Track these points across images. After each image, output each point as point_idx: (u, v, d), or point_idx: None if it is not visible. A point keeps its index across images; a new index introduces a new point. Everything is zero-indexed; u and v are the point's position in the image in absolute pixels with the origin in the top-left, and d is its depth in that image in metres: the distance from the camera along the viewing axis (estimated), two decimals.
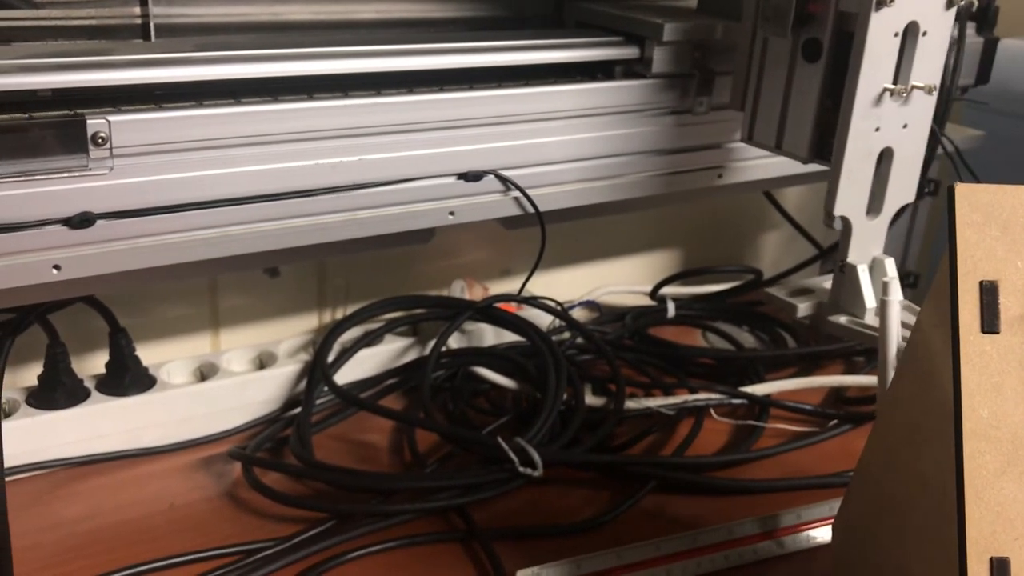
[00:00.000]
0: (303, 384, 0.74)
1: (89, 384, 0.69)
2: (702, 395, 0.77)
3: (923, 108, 0.64)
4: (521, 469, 0.65)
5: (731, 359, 0.86)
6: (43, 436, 0.66)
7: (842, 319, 0.65)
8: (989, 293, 0.41)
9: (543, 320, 0.83)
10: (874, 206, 0.66)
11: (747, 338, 0.92)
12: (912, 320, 0.55)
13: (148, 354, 0.72)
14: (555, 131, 0.64)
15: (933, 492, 0.43)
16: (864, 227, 0.65)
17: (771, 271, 0.96)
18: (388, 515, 0.63)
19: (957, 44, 0.80)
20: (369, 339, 0.77)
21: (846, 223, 0.65)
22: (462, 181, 0.60)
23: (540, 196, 0.65)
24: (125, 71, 0.48)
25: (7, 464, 0.62)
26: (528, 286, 0.80)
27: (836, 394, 0.82)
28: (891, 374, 0.54)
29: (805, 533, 0.64)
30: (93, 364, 0.72)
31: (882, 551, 0.49)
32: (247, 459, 0.67)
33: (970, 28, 0.84)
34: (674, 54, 0.68)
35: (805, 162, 0.65)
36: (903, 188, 0.66)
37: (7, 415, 0.66)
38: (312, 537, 0.61)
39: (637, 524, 0.65)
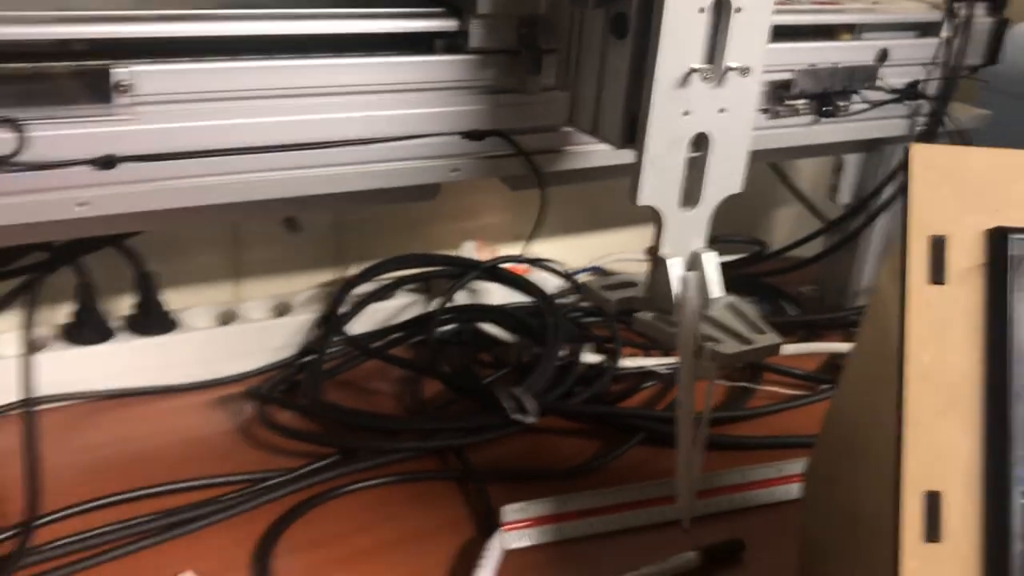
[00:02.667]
0: (317, 333, 0.78)
1: (116, 324, 0.74)
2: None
3: (743, 92, 0.58)
4: (515, 416, 0.69)
5: None
6: (73, 370, 0.71)
7: (649, 316, 0.60)
8: (937, 247, 0.44)
9: (552, 285, 0.87)
10: (690, 196, 0.60)
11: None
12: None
13: (174, 299, 0.77)
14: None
15: (885, 434, 0.46)
16: (678, 218, 0.60)
17: (781, 244, 0.99)
18: (389, 452, 0.67)
19: (965, 23, 0.82)
20: (381, 294, 0.81)
21: (657, 213, 0.60)
22: (466, 140, 0.64)
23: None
24: (148, 24, 0.52)
25: (40, 393, 0.67)
26: (541, 252, 0.84)
27: (831, 361, 0.85)
28: (690, 374, 0.55)
29: (784, 487, 0.67)
30: (121, 306, 0.77)
31: (841, 493, 0.52)
32: (262, 397, 0.71)
33: (981, 9, 0.85)
34: (494, 28, 0.62)
35: (619, 147, 0.60)
36: (725, 177, 0.60)
37: (40, 349, 0.71)
38: (317, 469, 0.65)
39: (624, 473, 0.68)
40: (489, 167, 0.65)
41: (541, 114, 0.65)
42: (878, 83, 0.79)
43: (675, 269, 0.59)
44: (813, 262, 0.93)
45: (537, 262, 0.83)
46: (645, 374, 0.79)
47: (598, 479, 0.67)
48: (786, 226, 1.11)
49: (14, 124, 0.50)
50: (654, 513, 0.64)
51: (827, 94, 0.77)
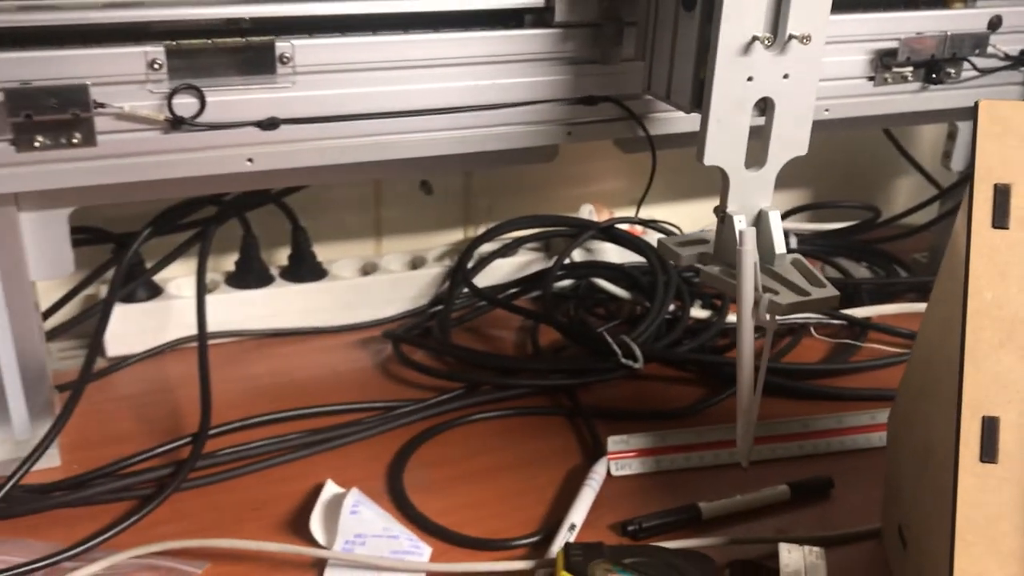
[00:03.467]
0: (447, 285, 0.87)
1: (274, 272, 0.84)
2: (803, 314, 0.84)
3: (806, 58, 0.60)
4: (623, 360, 0.75)
5: (838, 286, 0.91)
6: (237, 310, 0.82)
7: (715, 269, 0.62)
8: (1001, 194, 0.47)
9: None
10: (756, 158, 0.62)
11: (864, 273, 0.97)
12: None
13: (323, 252, 0.87)
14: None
15: (953, 370, 0.50)
16: (743, 179, 0.62)
17: (897, 211, 1.01)
18: (508, 388, 0.75)
19: None
20: (504, 251, 0.89)
21: (723, 174, 0.62)
22: (581, 105, 0.70)
23: None
24: (306, 4, 0.61)
25: (210, 330, 0.78)
26: (657, 216, 0.89)
27: None
28: (748, 322, 0.58)
29: (879, 434, 0.71)
30: (278, 256, 0.87)
31: (917, 430, 0.56)
32: (398, 338, 0.80)
33: None
34: (577, 3, 0.66)
35: (688, 112, 0.63)
36: (789, 140, 0.62)
37: (209, 291, 0.82)
38: (444, 401, 0.73)
39: (723, 419, 0.73)
40: (601, 130, 0.71)
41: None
42: (989, 50, 0.80)
43: (739, 225, 0.62)
44: (925, 229, 0.95)
45: (651, 224, 0.89)
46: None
47: (697, 422, 0.73)
48: (905, 194, 1.12)
49: (196, 91, 0.59)
50: (751, 452, 0.69)
51: (936, 61, 0.79)
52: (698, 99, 0.62)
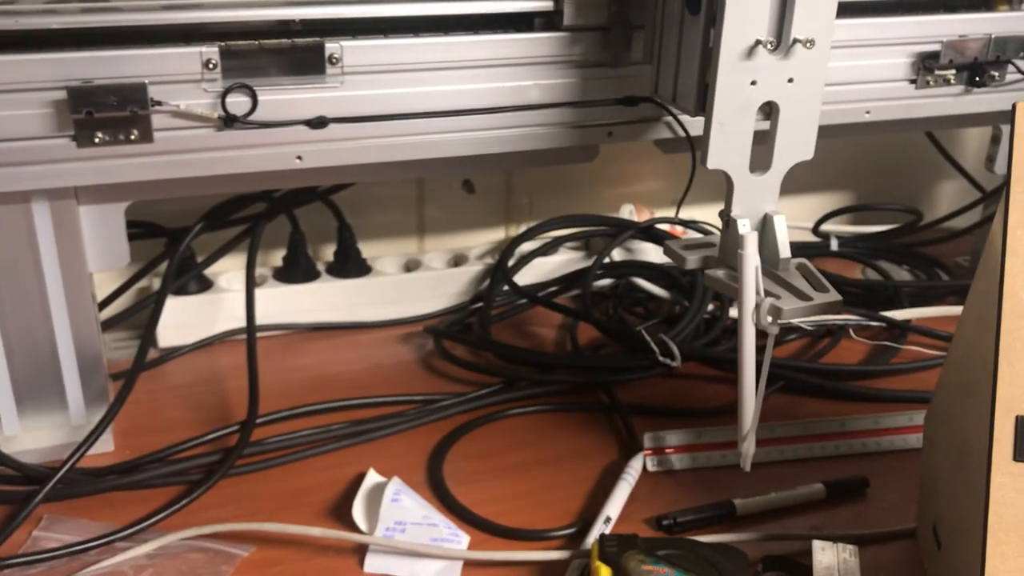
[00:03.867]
0: (487, 282, 0.88)
1: (320, 267, 0.86)
2: (842, 315, 0.84)
3: (810, 63, 0.59)
4: (661, 359, 0.76)
5: (878, 288, 0.91)
6: (284, 304, 0.84)
7: (719, 273, 0.62)
8: None
9: None
10: (760, 162, 0.62)
11: (904, 276, 0.97)
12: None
13: (368, 249, 0.89)
14: None
15: (989, 370, 0.50)
16: (748, 183, 0.61)
17: (940, 214, 1.00)
18: (546, 384, 0.76)
19: None
20: (545, 249, 0.90)
21: (728, 178, 0.61)
22: (621, 106, 0.71)
23: None
24: (353, 7, 0.63)
25: (258, 323, 0.80)
26: (697, 216, 0.90)
27: None
28: (749, 326, 0.58)
29: (916, 435, 0.71)
30: (325, 252, 0.89)
31: (953, 429, 0.56)
32: (439, 333, 0.82)
33: None
34: (585, 6, 0.67)
35: (693, 115, 0.63)
36: (795, 144, 0.61)
37: (258, 286, 0.84)
38: (483, 395, 0.75)
39: (760, 417, 0.73)
40: (641, 130, 0.72)
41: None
42: None
43: (743, 229, 0.61)
44: (968, 232, 0.94)
45: (691, 224, 0.89)
46: (790, 329, 0.84)
47: (734, 421, 0.73)
48: (948, 197, 1.11)
49: (249, 90, 0.61)
50: (786, 451, 0.70)
51: (979, 64, 0.79)
52: (703, 102, 0.61)
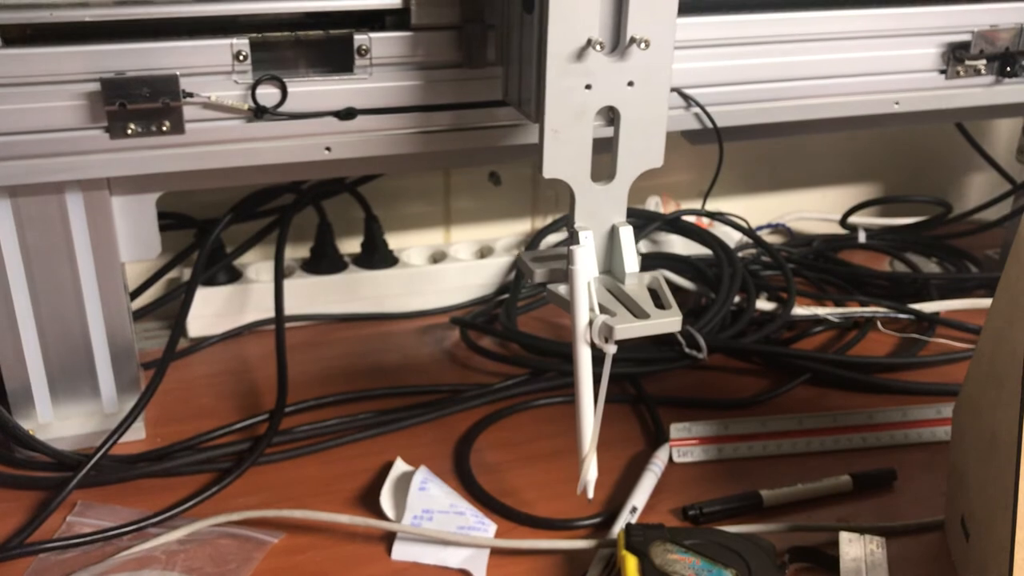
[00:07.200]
0: (514, 274, 0.88)
1: (348, 259, 0.87)
2: (870, 308, 0.84)
3: (651, 65, 0.54)
4: (687, 350, 0.76)
5: (906, 280, 0.91)
6: (312, 295, 0.85)
7: (561, 288, 0.58)
8: None
9: (733, 239, 0.92)
10: (605, 171, 0.58)
11: (933, 268, 0.96)
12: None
13: (394, 240, 0.89)
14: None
15: (1019, 362, 0.50)
16: (591, 193, 0.57)
17: (969, 206, 1.00)
18: (572, 375, 0.76)
19: None
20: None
21: (569, 188, 0.57)
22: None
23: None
24: None
25: (287, 313, 0.81)
26: (725, 210, 0.90)
27: None
28: (582, 344, 0.55)
29: (944, 428, 0.71)
30: (352, 244, 0.90)
31: (983, 421, 0.56)
32: (465, 324, 0.82)
33: None
34: (435, 5, 0.62)
35: (534, 121, 0.57)
36: (641, 151, 0.57)
37: (286, 276, 0.85)
38: (509, 386, 0.75)
39: (788, 408, 0.74)
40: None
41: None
42: None
43: (586, 242, 0.57)
44: (998, 224, 0.93)
45: (718, 216, 0.89)
46: (816, 321, 0.84)
47: (760, 413, 0.73)
48: (978, 189, 1.10)
49: (278, 81, 0.62)
50: (813, 443, 0.70)
51: (1010, 54, 0.78)
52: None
